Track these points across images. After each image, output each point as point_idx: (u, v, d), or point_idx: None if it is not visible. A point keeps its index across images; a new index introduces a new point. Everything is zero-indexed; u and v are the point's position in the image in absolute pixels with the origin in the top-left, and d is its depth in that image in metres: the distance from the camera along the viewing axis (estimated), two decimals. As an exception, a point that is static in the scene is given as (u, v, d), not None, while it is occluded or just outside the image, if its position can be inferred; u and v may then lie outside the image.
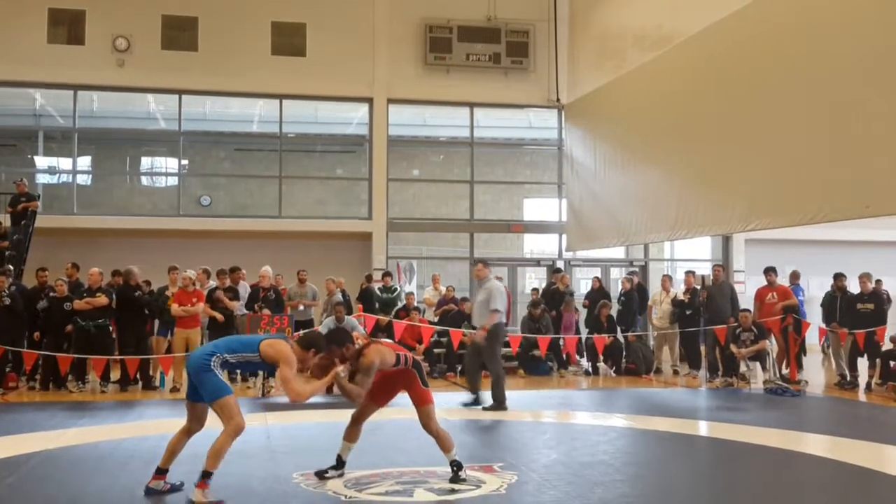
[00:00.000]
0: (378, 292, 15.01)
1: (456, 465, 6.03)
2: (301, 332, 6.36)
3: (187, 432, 5.78)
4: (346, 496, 5.72)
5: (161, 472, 5.75)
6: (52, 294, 11.90)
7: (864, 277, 12.32)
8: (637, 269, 18.69)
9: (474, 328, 13.68)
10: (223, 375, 5.65)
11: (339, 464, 6.24)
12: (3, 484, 6.14)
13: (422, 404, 6.08)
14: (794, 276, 14.56)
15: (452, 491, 5.85)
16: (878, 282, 13.57)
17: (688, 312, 13.66)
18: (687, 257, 20.12)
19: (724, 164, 12.57)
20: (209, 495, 5.38)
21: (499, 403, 9.77)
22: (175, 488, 5.77)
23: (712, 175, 12.87)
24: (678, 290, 14.51)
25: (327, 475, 6.16)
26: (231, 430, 5.49)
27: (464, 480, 5.98)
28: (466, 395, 10.28)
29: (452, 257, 19.86)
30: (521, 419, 9.58)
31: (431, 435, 6.08)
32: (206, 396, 5.57)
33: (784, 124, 11.21)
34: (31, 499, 5.77)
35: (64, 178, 19.21)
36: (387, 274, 15.56)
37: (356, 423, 6.30)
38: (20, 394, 11.44)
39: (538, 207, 20.98)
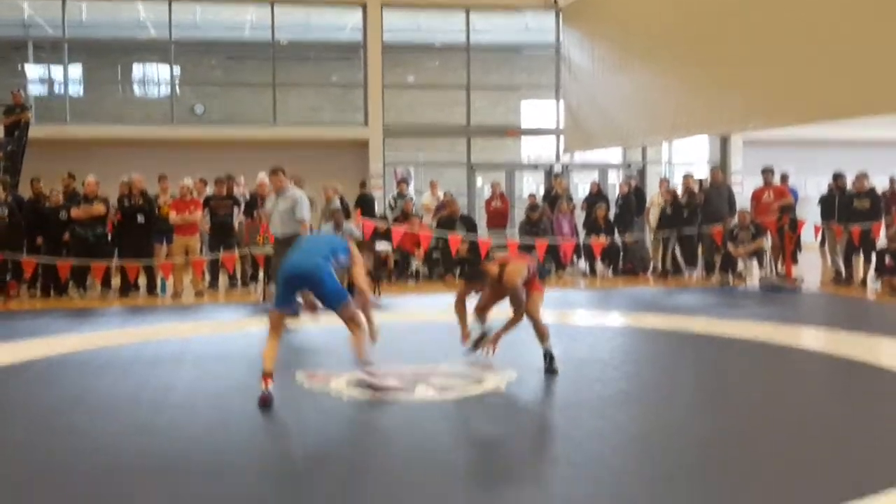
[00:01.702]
0: (391, 201, 15.06)
1: (549, 355, 6.38)
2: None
3: (276, 337, 5.77)
4: (348, 395, 5.82)
5: (268, 374, 5.63)
6: (47, 203, 11.89)
7: (861, 176, 12.36)
8: (635, 173, 18.66)
9: (471, 231, 13.82)
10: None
11: (483, 336, 6.57)
12: (8, 389, 6.24)
13: (532, 290, 6.42)
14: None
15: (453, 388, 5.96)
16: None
17: (685, 214, 13.68)
18: (684, 160, 20.04)
19: (722, 64, 12.41)
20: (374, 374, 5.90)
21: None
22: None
23: (711, 75, 12.72)
24: (676, 191, 14.49)
25: (480, 343, 6.56)
26: (363, 324, 5.85)
27: (556, 370, 6.32)
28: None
29: (449, 163, 19.75)
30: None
31: (531, 318, 6.40)
32: (329, 302, 5.71)
33: (783, 23, 11.03)
34: (36, 403, 5.86)
35: (56, 88, 18.94)
36: (402, 181, 15.52)
37: (480, 312, 6.63)
38: (21, 301, 11.54)
39: (535, 112, 20.78)
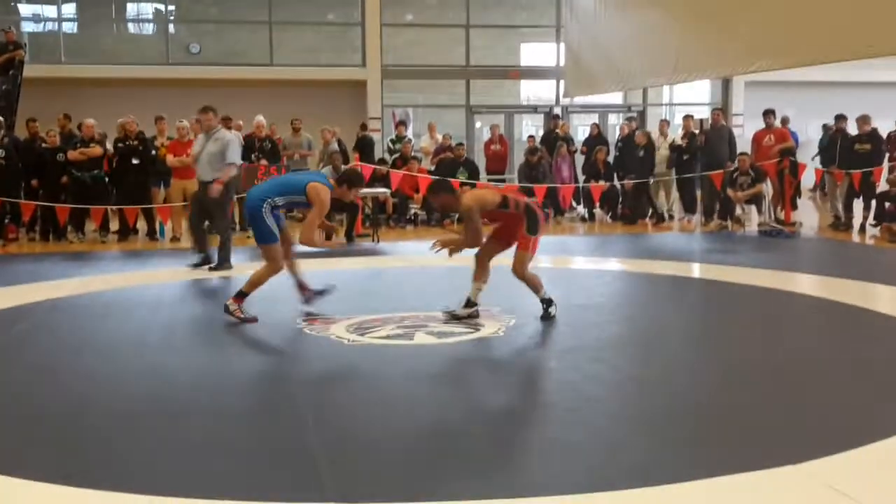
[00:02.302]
0: (390, 143, 14.94)
1: (545, 302, 6.29)
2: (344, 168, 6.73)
3: (286, 256, 6.41)
4: (348, 339, 5.85)
5: (302, 288, 6.57)
6: (43, 145, 11.81)
7: (862, 119, 12.23)
8: (635, 114, 18.51)
9: (469, 175, 13.77)
10: (272, 221, 6.16)
11: (469, 304, 6.35)
12: (11, 332, 6.27)
13: (518, 248, 6.21)
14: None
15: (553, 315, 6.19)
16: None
17: (685, 157, 13.60)
18: (686, 101, 19.88)
19: (725, 5, 12.21)
20: (244, 309, 6.25)
21: (225, 262, 8.92)
22: (322, 292, 6.64)
23: (713, 16, 12.51)
24: (676, 134, 14.41)
25: (457, 314, 6.32)
26: (270, 269, 6.24)
27: (553, 316, 6.28)
28: (195, 256, 9.20)
29: (449, 105, 19.58)
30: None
31: (518, 279, 6.24)
32: (256, 239, 6.29)
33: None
34: (40, 346, 5.91)
35: (49, 26, 18.65)
36: (400, 123, 15.39)
37: (481, 262, 6.39)
38: (20, 245, 11.53)
39: (535, 53, 20.51)
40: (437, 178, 6.33)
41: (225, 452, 3.76)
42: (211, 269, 8.86)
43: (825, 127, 13.41)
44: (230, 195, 9.08)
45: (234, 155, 8.87)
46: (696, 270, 9.27)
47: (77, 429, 4.10)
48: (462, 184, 12.24)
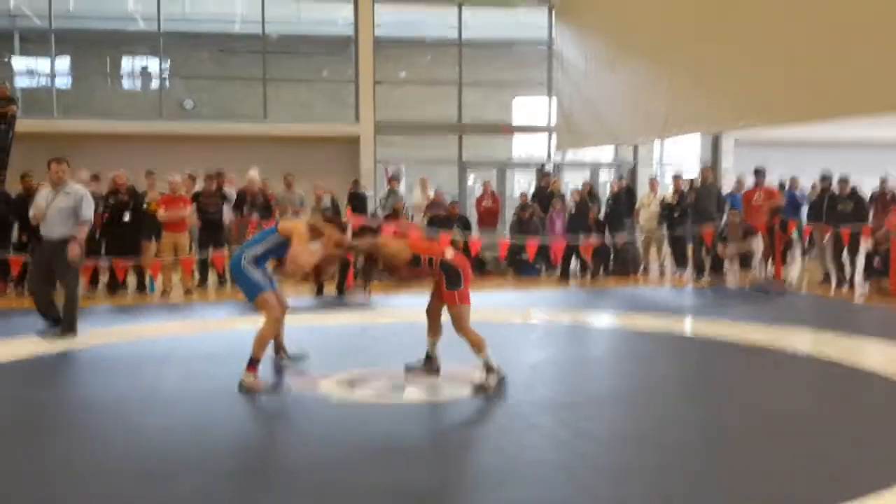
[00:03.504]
0: (382, 199, 14.96)
1: (486, 368, 5.93)
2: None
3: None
4: (336, 397, 5.78)
5: (279, 348, 6.59)
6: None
7: (842, 181, 12.43)
8: (626, 172, 18.65)
9: (466, 231, 13.79)
10: (258, 273, 6.04)
11: (428, 359, 6.34)
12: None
13: (448, 305, 6.01)
14: (793, 184, 14.66)
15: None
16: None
17: (676, 214, 13.68)
18: (676, 160, 20.05)
19: (715, 63, 12.40)
20: (258, 378, 5.89)
21: (70, 328, 8.15)
22: (299, 357, 6.67)
23: (704, 73, 12.71)
24: (666, 192, 14.51)
25: (417, 370, 6.31)
26: (270, 321, 5.99)
27: (488, 388, 5.85)
28: (43, 322, 8.34)
29: (441, 160, 19.69)
30: (509, 321, 9.67)
31: (460, 335, 6.01)
32: (247, 297, 6.09)
33: (776, 22, 11.03)
34: (23, 402, 5.82)
35: (43, 80, 18.78)
36: (393, 178, 15.43)
37: (431, 317, 6.34)
38: (8, 299, 11.44)
39: (527, 109, 20.72)
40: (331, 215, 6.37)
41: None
42: (55, 334, 8.09)
43: (812, 186, 13.59)
44: (82, 255, 8.34)
45: (89, 211, 8.20)
46: (688, 326, 9.24)
47: (52, 485, 4.01)
48: (452, 241, 12.24)
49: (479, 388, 5.87)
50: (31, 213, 8.48)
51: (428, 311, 6.37)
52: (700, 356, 7.63)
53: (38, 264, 8.42)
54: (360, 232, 6.30)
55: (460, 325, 5.96)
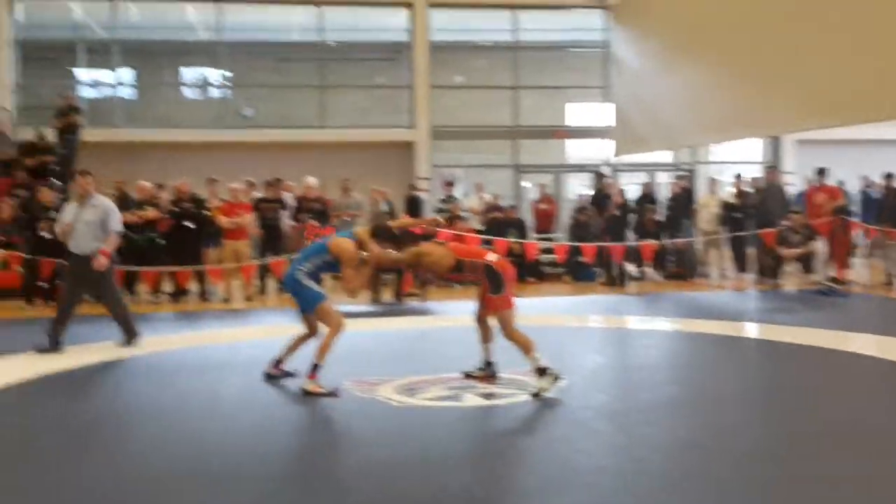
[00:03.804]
0: (439, 203, 15.02)
1: (538, 372, 5.88)
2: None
3: (305, 337, 6.48)
4: (396, 401, 5.82)
5: (278, 362, 6.52)
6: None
7: (888, 177, 12.12)
8: (685, 174, 18.40)
9: (522, 237, 13.75)
10: (314, 284, 6.18)
11: (487, 365, 6.39)
12: (56, 393, 6.34)
13: (493, 311, 6.12)
14: (867, 182, 14.34)
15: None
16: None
17: (737, 215, 13.44)
18: (735, 160, 19.72)
19: (775, 63, 12.17)
20: (319, 384, 5.99)
21: (133, 335, 8.22)
22: (288, 374, 6.49)
23: (765, 75, 12.46)
24: (727, 193, 14.29)
25: (475, 375, 6.37)
26: (334, 328, 6.11)
27: (541, 394, 5.80)
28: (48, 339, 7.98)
29: (496, 165, 19.68)
30: (566, 324, 9.63)
31: (508, 340, 6.06)
32: (306, 308, 6.25)
33: (837, 20, 10.79)
34: (84, 408, 5.97)
35: (107, 91, 19.25)
36: (448, 183, 15.47)
37: (480, 324, 6.45)
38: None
39: (582, 112, 20.60)
40: (381, 223, 6.32)
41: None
42: (125, 345, 8.13)
43: (874, 184, 13.27)
44: (112, 265, 8.24)
45: (117, 223, 8.14)
46: (749, 330, 9.09)
47: (120, 491, 4.10)
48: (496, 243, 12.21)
49: (536, 394, 5.85)
50: (57, 228, 8.39)
51: (477, 319, 6.47)
52: (762, 361, 7.50)
53: (69, 280, 8.25)
54: (403, 239, 6.34)
55: (507, 329, 6.03)
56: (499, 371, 6.40)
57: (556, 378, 5.88)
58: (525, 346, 5.97)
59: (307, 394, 5.95)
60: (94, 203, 8.03)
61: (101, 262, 7.91)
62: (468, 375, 6.45)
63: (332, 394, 5.96)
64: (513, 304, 6.10)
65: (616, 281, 13.58)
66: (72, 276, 8.15)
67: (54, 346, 7.91)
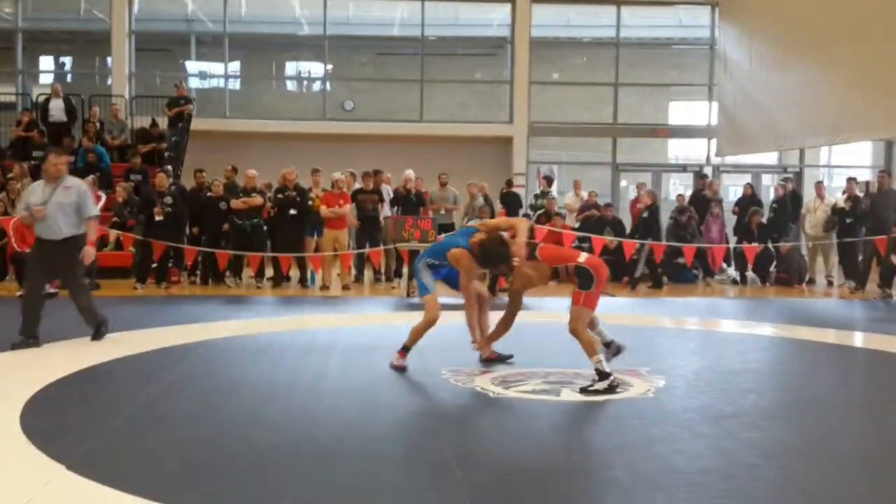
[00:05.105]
0: (534, 199, 14.98)
1: (599, 374, 5.84)
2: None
3: (475, 313, 6.74)
4: (493, 392, 5.83)
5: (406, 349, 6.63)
6: (209, 194, 12.46)
7: None
8: (791, 176, 17.85)
9: (613, 235, 13.57)
10: (430, 277, 6.56)
11: (608, 345, 6.29)
12: (176, 368, 6.58)
13: (572, 303, 6.06)
14: None
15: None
16: None
17: (848, 221, 12.95)
18: (845, 163, 19.04)
19: (891, 62, 11.70)
20: (404, 362, 6.47)
21: (101, 324, 7.56)
22: (504, 358, 6.84)
23: (880, 74, 12.01)
24: (834, 197, 13.79)
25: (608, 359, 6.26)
26: (428, 319, 6.47)
27: (597, 391, 5.76)
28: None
29: (594, 162, 19.50)
30: (665, 326, 9.47)
31: (571, 335, 6.01)
32: (419, 293, 6.76)
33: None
34: (202, 382, 6.20)
35: (215, 82, 19.84)
36: (545, 179, 15.41)
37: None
38: (182, 287, 12.15)
39: (684, 111, 20.21)
40: (490, 246, 6.25)
41: (371, 494, 3.80)
42: (92, 338, 7.51)
43: None
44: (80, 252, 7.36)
45: (93, 207, 7.49)
46: (856, 339, 8.77)
47: (232, 462, 4.24)
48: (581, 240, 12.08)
49: (585, 391, 5.79)
50: (22, 210, 7.51)
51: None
52: (870, 369, 7.24)
53: (38, 268, 7.42)
54: (491, 260, 6.41)
55: (575, 325, 5.96)
56: (621, 345, 6.27)
57: (614, 387, 5.80)
58: (589, 347, 5.93)
59: (393, 367, 6.44)
60: (67, 184, 7.31)
61: (90, 253, 7.36)
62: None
63: (400, 367, 6.44)
64: (593, 306, 6.05)
65: (712, 283, 13.27)
66: (37, 263, 7.43)
67: (31, 341, 7.18)
